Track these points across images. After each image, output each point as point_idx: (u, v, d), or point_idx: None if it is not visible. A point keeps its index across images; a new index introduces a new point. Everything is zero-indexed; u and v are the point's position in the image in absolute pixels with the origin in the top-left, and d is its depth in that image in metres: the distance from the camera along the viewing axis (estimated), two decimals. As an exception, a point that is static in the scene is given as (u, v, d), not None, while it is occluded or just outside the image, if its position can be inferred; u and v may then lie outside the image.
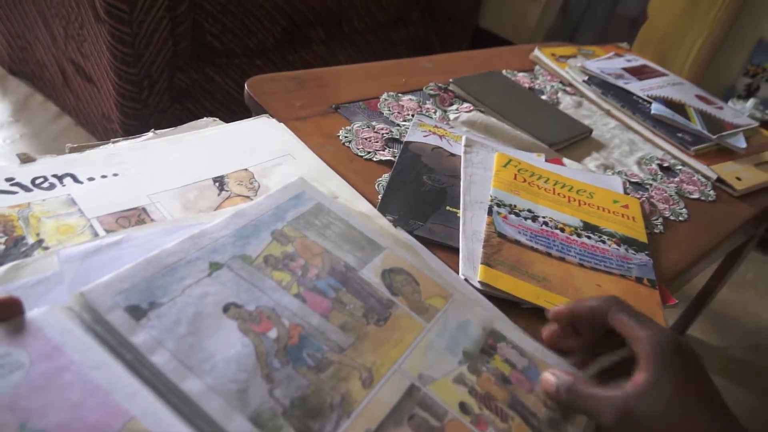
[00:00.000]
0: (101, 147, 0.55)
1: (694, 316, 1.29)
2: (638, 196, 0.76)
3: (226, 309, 0.37)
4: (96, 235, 0.44)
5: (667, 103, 0.98)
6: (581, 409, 0.42)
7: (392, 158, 0.69)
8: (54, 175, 0.49)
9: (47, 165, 0.50)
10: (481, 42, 2.16)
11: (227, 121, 0.65)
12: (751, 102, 1.51)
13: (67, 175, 0.50)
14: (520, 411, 0.41)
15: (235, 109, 1.47)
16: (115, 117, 1.29)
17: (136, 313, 0.34)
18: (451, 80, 0.90)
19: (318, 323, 0.39)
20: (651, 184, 0.81)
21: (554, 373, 0.44)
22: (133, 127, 1.30)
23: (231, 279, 0.39)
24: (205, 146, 0.59)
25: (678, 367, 0.40)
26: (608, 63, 1.10)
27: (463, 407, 0.40)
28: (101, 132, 1.43)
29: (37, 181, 0.48)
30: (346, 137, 0.70)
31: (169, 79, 1.29)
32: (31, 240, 0.42)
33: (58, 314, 0.32)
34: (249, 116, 0.76)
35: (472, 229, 0.60)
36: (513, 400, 0.42)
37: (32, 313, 0.32)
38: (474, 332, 0.46)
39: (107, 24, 1.14)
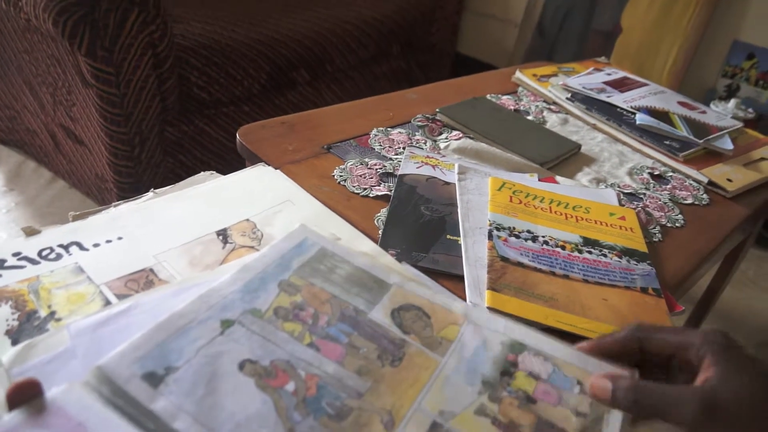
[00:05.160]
0: (103, 212, 0.56)
1: (701, 318, 1.29)
2: (633, 207, 0.77)
3: (241, 366, 0.37)
4: (107, 301, 0.45)
5: (651, 112, 1.00)
6: (652, 410, 0.39)
7: (388, 192, 0.69)
8: (60, 245, 0.50)
9: (52, 235, 0.51)
10: (461, 67, 2.20)
11: (221, 170, 0.66)
12: (732, 102, 1.54)
13: (72, 243, 0.50)
14: None
15: (227, 157, 1.49)
16: (109, 176, 1.30)
17: (153, 379, 0.34)
18: (437, 110, 0.92)
19: (334, 371, 0.40)
20: (644, 194, 0.82)
21: (604, 377, 0.42)
22: (127, 185, 1.30)
23: (243, 335, 0.39)
24: (205, 201, 0.60)
25: (741, 356, 0.40)
26: (589, 78, 1.12)
27: None
28: (96, 193, 1.43)
29: (44, 253, 0.48)
30: (341, 176, 0.71)
31: (159, 134, 1.30)
32: (43, 313, 0.43)
33: (77, 391, 0.32)
34: (242, 163, 0.77)
35: (474, 255, 0.60)
36: (539, 422, 0.41)
37: (52, 393, 0.32)
38: (493, 350, 0.45)
39: (95, 88, 1.16)
